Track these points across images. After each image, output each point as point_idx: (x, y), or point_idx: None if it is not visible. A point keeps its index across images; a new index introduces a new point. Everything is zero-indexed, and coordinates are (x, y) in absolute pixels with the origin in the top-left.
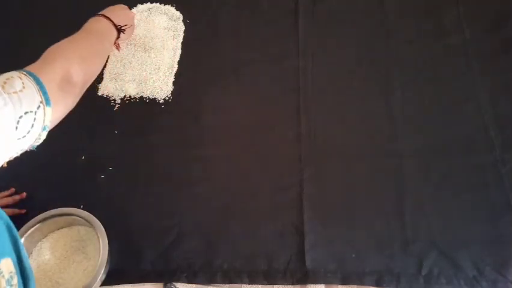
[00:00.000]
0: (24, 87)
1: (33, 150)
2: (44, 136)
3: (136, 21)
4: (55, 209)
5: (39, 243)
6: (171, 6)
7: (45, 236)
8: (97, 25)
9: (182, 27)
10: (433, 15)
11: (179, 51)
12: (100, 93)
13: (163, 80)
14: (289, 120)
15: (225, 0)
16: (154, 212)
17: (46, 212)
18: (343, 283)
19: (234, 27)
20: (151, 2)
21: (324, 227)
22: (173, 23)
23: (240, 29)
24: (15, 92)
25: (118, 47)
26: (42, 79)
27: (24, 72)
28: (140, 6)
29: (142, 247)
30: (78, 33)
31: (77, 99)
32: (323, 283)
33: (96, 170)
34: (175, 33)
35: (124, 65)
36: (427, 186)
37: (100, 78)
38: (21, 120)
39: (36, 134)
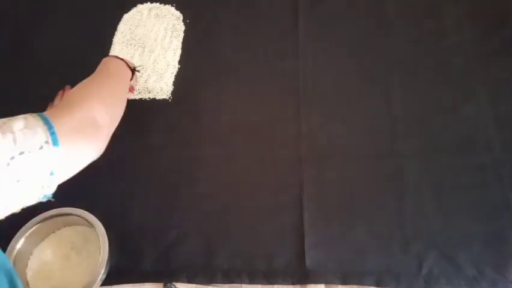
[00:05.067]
0: (25, 127)
1: None
2: (54, 183)
3: (136, 21)
4: (55, 209)
5: (40, 243)
6: (171, 6)
7: (46, 236)
8: (113, 66)
9: (182, 27)
10: (433, 15)
11: (179, 51)
12: None
13: (163, 80)
14: (289, 120)
15: (225, 0)
16: (154, 212)
17: (46, 212)
18: (343, 283)
19: (234, 27)
20: (151, 2)
21: (324, 227)
22: (174, 23)
23: (240, 29)
24: (11, 132)
25: (132, 89)
26: (54, 121)
27: (34, 114)
28: (140, 6)
29: (142, 247)
30: (97, 75)
31: (105, 143)
32: (323, 283)
33: (96, 170)
34: (175, 33)
35: None
36: (427, 186)
37: None
38: (12, 161)
39: (38, 179)
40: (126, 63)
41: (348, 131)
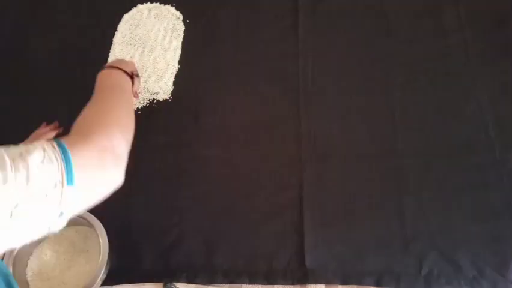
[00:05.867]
0: (42, 162)
1: None
2: (62, 223)
3: (136, 21)
4: None
5: (40, 243)
6: (171, 6)
7: (46, 236)
8: (112, 78)
9: (182, 27)
10: (433, 15)
11: (179, 51)
12: None
13: (163, 80)
14: (289, 120)
15: (225, 0)
16: (154, 212)
17: None
18: (343, 283)
19: (234, 27)
20: (151, 2)
21: (324, 227)
22: (174, 23)
23: (240, 29)
24: (25, 168)
25: (136, 95)
26: (73, 151)
27: (55, 144)
28: (140, 6)
29: (142, 247)
30: (100, 93)
31: (123, 175)
32: (323, 283)
33: None
34: (175, 33)
35: None
36: (427, 186)
37: None
38: (22, 202)
39: (46, 219)
40: (123, 70)
41: (348, 131)
